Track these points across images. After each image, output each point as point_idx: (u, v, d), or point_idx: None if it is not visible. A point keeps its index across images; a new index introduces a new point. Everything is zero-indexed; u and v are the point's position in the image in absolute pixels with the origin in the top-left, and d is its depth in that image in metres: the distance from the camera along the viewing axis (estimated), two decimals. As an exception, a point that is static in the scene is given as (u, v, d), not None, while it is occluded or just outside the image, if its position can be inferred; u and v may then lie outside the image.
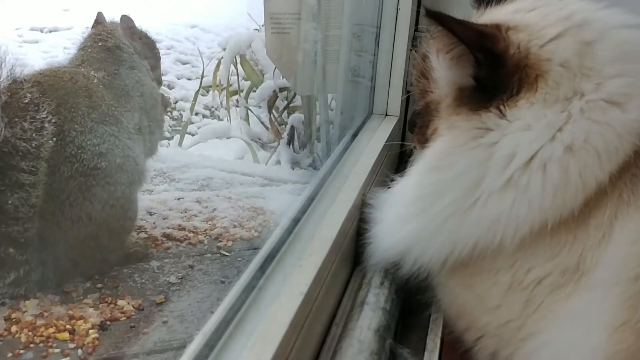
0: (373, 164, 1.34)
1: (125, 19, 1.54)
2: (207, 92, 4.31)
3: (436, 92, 1.02)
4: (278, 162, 3.10)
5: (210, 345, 0.76)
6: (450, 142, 0.95)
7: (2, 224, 1.22)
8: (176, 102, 4.43)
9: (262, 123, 3.48)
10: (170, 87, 4.73)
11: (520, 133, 0.89)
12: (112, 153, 1.33)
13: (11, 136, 1.21)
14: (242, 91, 3.75)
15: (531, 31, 0.92)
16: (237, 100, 3.80)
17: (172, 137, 3.81)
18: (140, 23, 1.62)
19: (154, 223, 1.60)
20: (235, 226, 1.62)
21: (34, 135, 1.23)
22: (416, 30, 1.62)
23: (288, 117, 3.19)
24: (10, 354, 1.12)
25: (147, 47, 1.58)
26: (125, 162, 1.35)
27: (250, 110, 3.59)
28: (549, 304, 0.89)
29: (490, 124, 0.91)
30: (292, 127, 3.09)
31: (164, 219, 1.64)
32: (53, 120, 1.26)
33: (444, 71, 0.98)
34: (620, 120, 0.86)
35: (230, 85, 3.83)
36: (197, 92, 3.69)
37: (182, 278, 1.38)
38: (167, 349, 1.16)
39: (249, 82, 3.59)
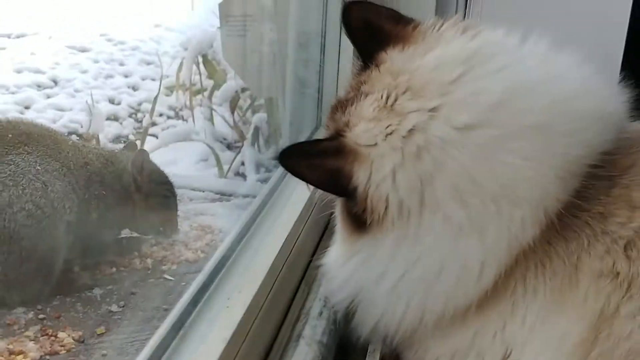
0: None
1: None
2: (172, 92, 4.30)
3: None
4: (242, 164, 3.08)
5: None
6: (338, 256, 1.00)
7: None
8: (140, 104, 4.43)
9: (227, 122, 3.48)
10: (134, 89, 4.73)
11: (375, 267, 0.93)
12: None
13: None
14: (205, 90, 3.74)
15: (371, 163, 0.89)
16: (201, 100, 3.80)
17: (136, 140, 3.80)
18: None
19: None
20: (181, 247, 1.60)
21: None
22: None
23: (253, 116, 3.18)
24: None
25: None
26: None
27: (214, 110, 3.58)
28: None
29: (357, 252, 0.95)
30: (256, 128, 3.08)
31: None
32: None
33: None
34: (475, 250, 0.86)
35: (194, 85, 3.82)
36: (156, 97, 3.67)
37: (124, 306, 1.38)
38: (104, 384, 1.15)
39: (212, 82, 3.59)
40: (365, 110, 0.91)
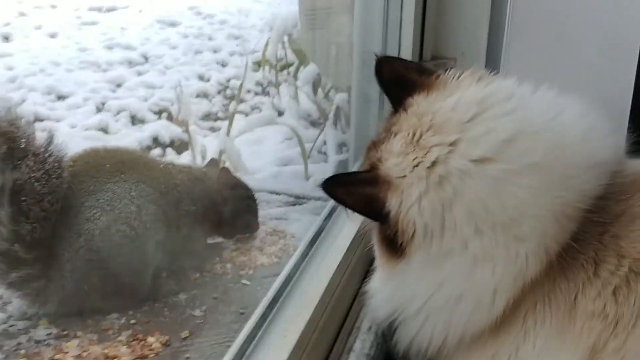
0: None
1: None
2: (259, 67, 4.45)
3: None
4: (325, 143, 3.23)
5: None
6: (378, 280, 1.18)
7: (14, 220, 1.46)
8: (229, 81, 4.59)
9: (311, 100, 3.61)
10: (223, 64, 4.88)
11: (407, 289, 1.09)
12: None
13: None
14: (291, 65, 3.88)
15: (402, 192, 1.05)
16: (287, 76, 3.94)
17: (225, 117, 4.01)
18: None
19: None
20: (257, 253, 1.78)
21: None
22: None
23: (335, 95, 3.29)
24: (53, 395, 1.31)
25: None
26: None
27: (299, 89, 3.72)
28: None
29: (392, 275, 1.12)
30: (338, 107, 3.19)
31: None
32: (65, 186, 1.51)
33: None
34: (488, 279, 1.01)
35: (281, 60, 3.97)
36: (241, 84, 3.83)
37: (205, 311, 1.54)
38: (186, 388, 1.33)
39: (297, 60, 3.71)
40: (395, 146, 1.08)
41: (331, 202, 1.52)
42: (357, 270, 1.39)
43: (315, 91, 3.55)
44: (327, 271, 1.29)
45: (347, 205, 1.10)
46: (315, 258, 1.35)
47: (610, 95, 1.45)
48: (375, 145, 1.14)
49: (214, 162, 1.99)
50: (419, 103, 1.12)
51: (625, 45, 1.47)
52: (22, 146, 1.45)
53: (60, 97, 4.13)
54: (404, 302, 1.11)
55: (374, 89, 1.81)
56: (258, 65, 4.54)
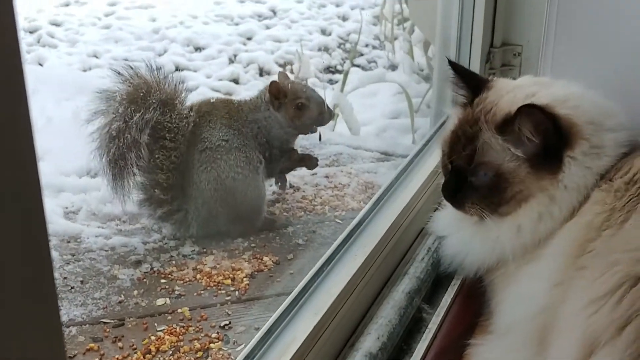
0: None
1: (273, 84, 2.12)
2: (378, 21, 4.81)
3: (507, 164, 1.43)
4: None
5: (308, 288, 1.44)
6: (545, 200, 1.43)
7: (151, 172, 1.99)
8: (349, 35, 4.97)
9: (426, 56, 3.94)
10: (344, 19, 5.27)
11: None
12: (231, 142, 2.05)
13: (163, 120, 1.97)
14: (407, 21, 4.22)
15: (560, 105, 1.43)
16: (402, 32, 4.28)
17: (343, 64, 4.38)
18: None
19: (293, 195, 2.27)
20: (349, 198, 2.23)
21: (178, 121, 2.00)
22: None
23: (445, 53, 3.63)
24: (195, 294, 1.81)
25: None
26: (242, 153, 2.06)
27: (413, 44, 4.05)
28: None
29: (564, 180, 1.41)
30: (443, 67, 3.54)
31: (302, 192, 2.29)
32: (193, 118, 2.03)
33: (519, 146, 1.41)
34: (600, 165, 1.40)
35: (397, 15, 4.31)
36: (356, 43, 4.18)
37: (307, 240, 2.03)
38: (289, 292, 1.79)
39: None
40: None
41: (407, 159, 1.94)
42: (420, 214, 1.80)
43: (426, 49, 3.87)
44: (392, 214, 1.69)
45: (545, 114, 1.37)
46: (385, 204, 1.76)
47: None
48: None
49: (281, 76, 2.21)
50: (499, 83, 1.57)
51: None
52: (163, 97, 1.96)
53: (197, 49, 4.61)
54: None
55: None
56: (377, 19, 4.90)
